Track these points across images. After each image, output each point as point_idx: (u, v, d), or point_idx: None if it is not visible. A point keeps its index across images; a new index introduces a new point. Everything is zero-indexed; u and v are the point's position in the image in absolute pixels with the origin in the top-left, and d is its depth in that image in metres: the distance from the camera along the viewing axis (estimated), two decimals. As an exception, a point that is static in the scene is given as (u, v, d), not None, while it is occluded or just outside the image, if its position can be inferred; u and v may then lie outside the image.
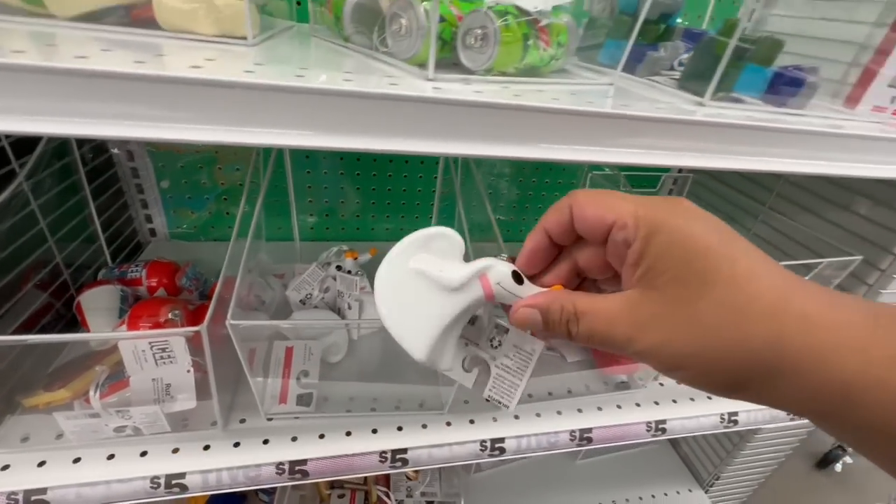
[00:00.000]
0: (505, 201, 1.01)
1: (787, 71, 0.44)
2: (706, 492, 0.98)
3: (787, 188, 0.81)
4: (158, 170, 0.82)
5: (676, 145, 0.37)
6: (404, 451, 0.55)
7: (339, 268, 0.70)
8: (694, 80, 0.46)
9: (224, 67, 0.30)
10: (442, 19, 0.39)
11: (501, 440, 0.58)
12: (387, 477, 0.84)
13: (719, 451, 0.93)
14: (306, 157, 0.84)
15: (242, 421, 0.55)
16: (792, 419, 0.70)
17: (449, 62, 0.41)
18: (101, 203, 0.72)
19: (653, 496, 0.96)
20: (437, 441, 0.56)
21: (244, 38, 0.39)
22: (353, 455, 0.53)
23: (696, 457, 1.01)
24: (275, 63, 0.34)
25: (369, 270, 0.76)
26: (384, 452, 0.54)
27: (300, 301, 0.68)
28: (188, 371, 0.50)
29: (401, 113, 0.31)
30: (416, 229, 0.30)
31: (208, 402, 0.51)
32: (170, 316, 0.54)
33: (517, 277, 0.27)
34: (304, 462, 0.52)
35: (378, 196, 0.93)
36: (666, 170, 0.98)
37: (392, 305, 0.29)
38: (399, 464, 0.55)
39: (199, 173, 0.83)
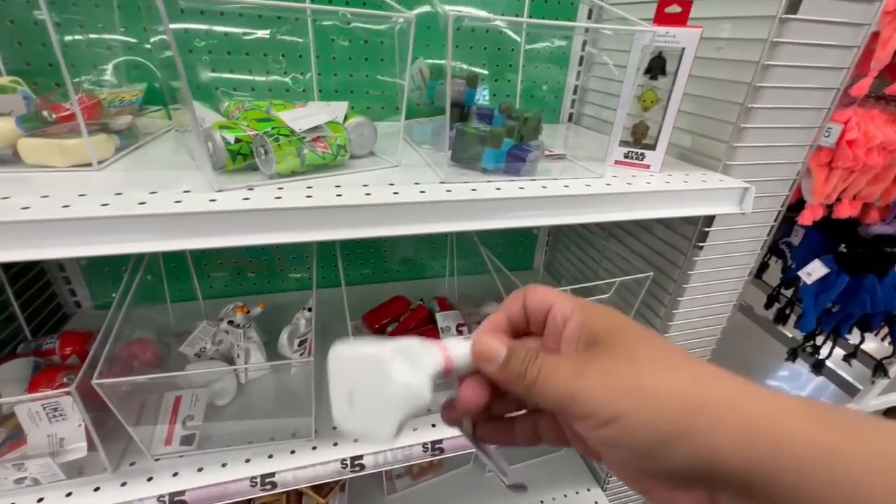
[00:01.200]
0: (405, 245, 1.15)
1: (515, 149, 0.59)
2: (603, 489, 1.08)
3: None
4: (77, 250, 0.93)
5: (414, 219, 0.51)
6: (272, 474, 0.65)
7: (230, 322, 0.82)
8: (455, 158, 0.61)
9: (48, 206, 0.43)
10: (238, 140, 0.53)
11: (360, 457, 0.69)
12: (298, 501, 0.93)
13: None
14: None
15: (132, 464, 0.65)
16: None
17: (252, 168, 0.55)
18: (23, 283, 0.84)
19: (553, 499, 1.06)
20: (301, 463, 0.67)
21: (90, 164, 0.53)
22: (226, 482, 0.64)
23: (593, 458, 1.12)
24: (100, 192, 0.47)
25: (261, 322, 0.88)
26: (254, 478, 0.65)
27: (195, 355, 0.80)
28: (79, 426, 0.60)
29: (188, 222, 0.44)
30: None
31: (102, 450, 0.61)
32: (65, 381, 0.65)
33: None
34: (182, 493, 0.62)
35: (283, 251, 1.06)
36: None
37: (348, 405, 0.29)
38: (268, 486, 0.65)
39: (114, 249, 0.95)
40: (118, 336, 0.62)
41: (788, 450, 0.19)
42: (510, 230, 1.18)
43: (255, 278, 1.07)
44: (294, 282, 1.10)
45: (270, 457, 0.67)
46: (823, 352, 1.83)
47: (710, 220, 0.73)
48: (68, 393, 0.55)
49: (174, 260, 0.96)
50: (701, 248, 0.75)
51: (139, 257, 0.76)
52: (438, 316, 0.88)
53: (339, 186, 0.52)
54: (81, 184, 0.48)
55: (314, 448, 0.69)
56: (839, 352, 1.79)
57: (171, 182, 0.50)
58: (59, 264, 0.93)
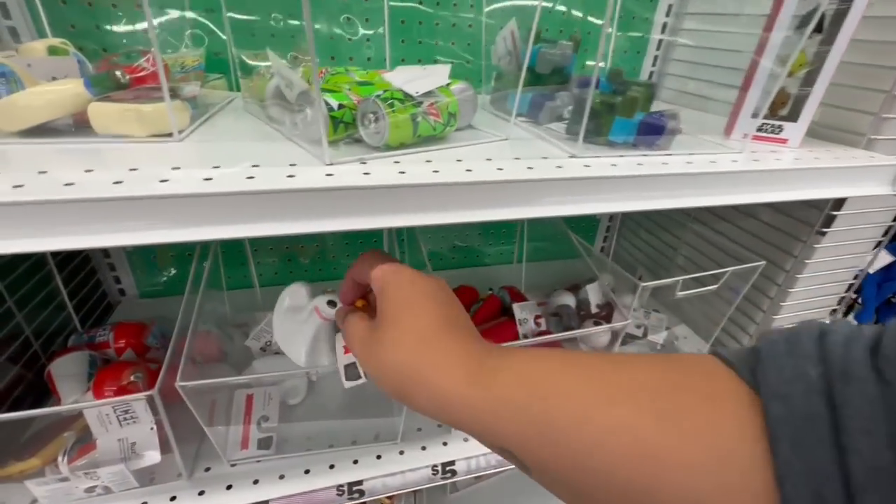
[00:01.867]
0: (459, 229, 1.07)
1: (649, 118, 0.51)
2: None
3: (708, 199, 0.88)
4: (122, 234, 0.86)
5: (551, 199, 0.43)
6: (359, 482, 0.59)
7: (295, 313, 0.75)
8: (575, 130, 0.53)
9: (144, 179, 0.36)
10: (342, 106, 0.45)
11: (452, 463, 0.63)
12: None
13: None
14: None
15: (207, 469, 0.59)
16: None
17: (354, 138, 0.47)
18: (70, 271, 0.77)
19: None
20: (390, 470, 0.61)
21: (170, 135, 0.45)
22: (312, 492, 0.58)
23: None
24: (193, 164, 0.40)
25: None
26: (340, 486, 0.59)
27: (261, 349, 0.73)
28: (151, 429, 0.54)
29: (298, 201, 0.37)
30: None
31: (174, 454, 0.55)
32: (132, 379, 0.59)
33: (332, 304, 0.48)
34: (265, 503, 0.56)
35: (335, 238, 0.99)
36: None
37: (282, 336, 0.51)
38: (356, 495, 0.59)
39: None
40: (195, 330, 0.55)
41: (448, 405, 0.27)
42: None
43: (307, 265, 1.00)
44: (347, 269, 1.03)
45: (356, 462, 0.61)
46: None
47: (839, 203, 0.65)
48: (151, 397, 0.48)
49: (229, 244, 0.89)
50: (824, 234, 0.67)
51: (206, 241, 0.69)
52: (516, 307, 0.81)
53: (460, 161, 0.44)
54: (166, 156, 0.41)
55: (401, 453, 0.63)
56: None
57: (267, 155, 0.43)
58: (104, 249, 0.87)
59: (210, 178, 0.36)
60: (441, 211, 0.41)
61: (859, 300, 1.72)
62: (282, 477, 0.59)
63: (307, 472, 0.60)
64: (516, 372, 0.25)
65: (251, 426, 0.62)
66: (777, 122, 0.58)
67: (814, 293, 0.75)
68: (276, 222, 0.37)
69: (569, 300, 0.90)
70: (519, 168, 0.43)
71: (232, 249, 0.90)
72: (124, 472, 0.53)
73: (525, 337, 0.79)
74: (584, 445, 0.21)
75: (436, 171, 0.41)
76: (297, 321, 0.50)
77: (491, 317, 0.85)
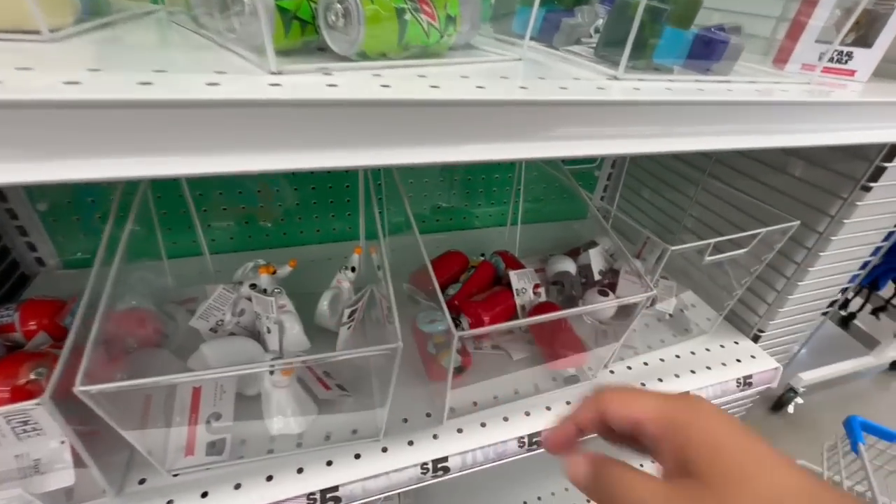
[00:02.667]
0: (444, 188, 0.94)
1: (709, 33, 0.39)
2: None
3: (727, 153, 0.78)
4: (31, 190, 0.70)
5: (588, 132, 0.32)
6: (334, 488, 0.49)
7: (253, 286, 0.63)
8: (610, 48, 0.40)
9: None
10: (294, -7, 0.31)
11: (444, 459, 0.53)
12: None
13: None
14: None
15: (142, 482, 0.48)
16: (742, 391, 0.69)
17: (314, 47, 0.34)
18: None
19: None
20: (372, 472, 0.51)
21: (37, 32, 0.30)
22: (276, 503, 0.47)
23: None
24: (59, 67, 0.26)
25: (291, 285, 0.69)
26: (311, 494, 0.48)
27: (211, 330, 0.60)
28: (62, 442, 0.42)
29: (223, 121, 0.24)
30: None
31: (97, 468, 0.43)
32: (32, 376, 0.45)
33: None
34: (217, 520, 0.45)
35: (303, 196, 0.85)
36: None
37: None
38: (331, 503, 0.49)
39: (83, 189, 0.72)
40: (107, 309, 0.42)
41: None
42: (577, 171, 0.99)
43: (269, 228, 0.86)
44: (315, 233, 0.90)
45: (329, 464, 0.51)
46: (854, 306, 1.78)
47: (892, 153, 0.56)
48: (40, 404, 0.36)
49: (168, 203, 0.74)
50: (870, 189, 0.59)
51: (125, 197, 0.54)
52: (512, 275, 0.70)
53: (466, 78, 0.32)
54: (21, 56, 0.27)
55: (384, 450, 0.53)
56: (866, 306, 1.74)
57: (184, 62, 0.29)
58: (9, 209, 0.70)
59: (76, 83, 0.22)
60: (443, 143, 0.28)
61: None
62: (238, 486, 0.48)
63: (270, 478, 0.49)
64: None
65: (198, 427, 0.50)
66: (847, 48, 0.47)
67: (845, 256, 0.67)
68: (182, 155, 0.24)
69: (569, 266, 0.81)
70: (549, 88, 0.31)
71: (173, 208, 0.75)
72: (24, 498, 0.41)
73: (523, 309, 0.69)
74: None
75: (435, 87, 0.28)
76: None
77: (484, 286, 0.75)
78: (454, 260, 0.79)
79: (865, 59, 0.47)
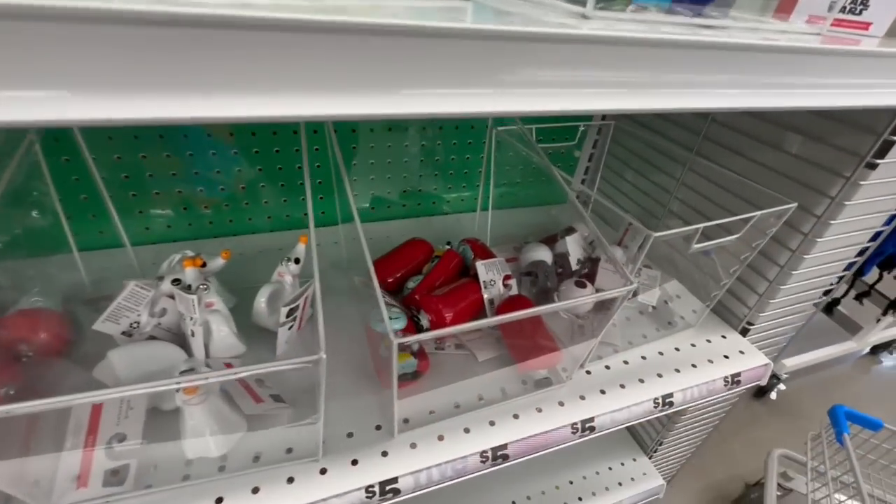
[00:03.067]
0: (410, 170, 0.86)
1: (702, -36, 0.31)
2: (650, 458, 0.94)
3: (715, 129, 0.71)
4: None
5: (552, 78, 0.24)
6: (261, 520, 0.42)
7: (176, 282, 0.54)
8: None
9: None
10: None
11: (393, 480, 0.46)
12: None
13: (661, 417, 0.88)
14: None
15: (21, 522, 0.39)
16: (730, 390, 0.63)
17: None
18: None
19: (597, 473, 0.91)
20: (306, 499, 0.43)
21: None
22: (187, 542, 0.40)
23: (639, 425, 0.96)
24: None
25: (234, 280, 0.61)
26: (233, 529, 0.41)
27: (124, 333, 0.52)
28: None
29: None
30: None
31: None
32: None
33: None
34: (112, 566, 0.38)
35: (250, 179, 0.75)
36: (586, 118, 0.86)
37: None
38: (256, 538, 0.42)
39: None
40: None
41: None
42: (548, 151, 0.91)
43: (210, 214, 0.77)
44: (266, 220, 0.81)
45: (256, 491, 0.43)
46: (838, 292, 1.75)
47: (902, 124, 0.49)
48: None
49: (82, 187, 0.64)
50: (875, 167, 0.52)
51: (25, 166, 0.45)
52: (479, 266, 0.63)
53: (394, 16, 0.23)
54: None
55: (323, 472, 0.46)
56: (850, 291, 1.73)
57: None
58: None
59: None
60: (368, 92, 0.20)
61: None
62: (141, 524, 0.40)
63: (182, 512, 0.41)
64: None
65: (95, 452, 0.42)
66: (861, -4, 0.39)
67: (843, 242, 0.61)
68: None
69: (544, 255, 0.73)
70: (497, 21, 0.23)
71: (69, 191, 0.65)
72: None
73: (492, 303, 0.62)
74: None
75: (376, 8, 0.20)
76: None
77: (450, 277, 0.67)
78: (417, 249, 0.71)
79: (884, 8, 0.39)
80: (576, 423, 0.54)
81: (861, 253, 0.67)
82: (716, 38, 0.26)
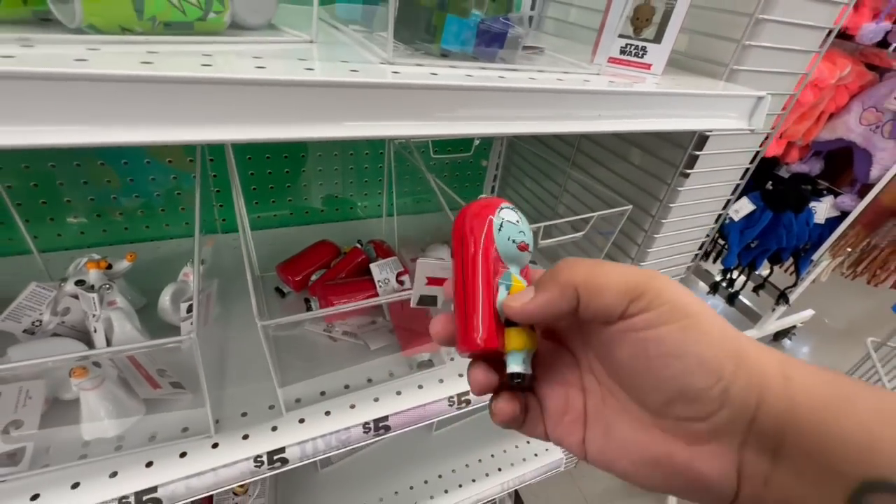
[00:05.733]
0: (327, 178, 0.92)
1: (491, 21, 0.40)
2: (554, 436, 1.04)
3: (586, 143, 0.83)
4: None
5: (353, 110, 0.32)
6: (153, 489, 0.47)
7: (80, 283, 0.58)
8: (401, 34, 0.41)
9: None
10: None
11: (281, 450, 0.53)
12: (210, 498, 0.76)
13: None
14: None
15: (-86, 503, 0.43)
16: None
17: (39, 18, 0.31)
18: None
19: (516, 446, 1.00)
20: (197, 469, 0.49)
21: None
22: (79, 511, 0.44)
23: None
24: None
25: (148, 282, 0.65)
26: (125, 498, 0.46)
27: (26, 331, 0.55)
28: None
29: None
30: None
31: None
32: None
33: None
34: (5, 535, 0.42)
35: (167, 187, 0.80)
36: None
37: None
38: (149, 505, 0.47)
39: None
40: None
41: (806, 403, 0.19)
42: (455, 161, 1.01)
43: (124, 221, 0.80)
44: (184, 226, 0.85)
45: (150, 465, 0.49)
46: (738, 285, 1.96)
47: (701, 142, 0.61)
48: None
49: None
50: (687, 175, 0.64)
51: None
52: (373, 267, 0.70)
53: (208, 56, 0.31)
54: None
55: (215, 446, 0.51)
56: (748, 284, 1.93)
57: None
58: None
59: None
60: (148, 124, 0.27)
61: (725, 246, 1.87)
62: (35, 497, 0.44)
63: (76, 485, 0.46)
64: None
65: (-9, 436, 0.46)
66: (641, 43, 0.51)
67: (679, 238, 0.73)
68: None
69: (444, 253, 0.82)
70: (290, 68, 0.31)
71: None
72: None
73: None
74: None
75: (146, 63, 0.27)
76: None
77: (352, 272, 0.74)
78: (324, 249, 0.78)
79: (658, 53, 0.51)
80: (451, 397, 0.62)
81: (701, 246, 0.80)
82: (484, 83, 0.35)
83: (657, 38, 0.50)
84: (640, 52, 0.51)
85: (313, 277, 0.72)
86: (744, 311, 2.01)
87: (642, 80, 0.49)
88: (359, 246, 0.78)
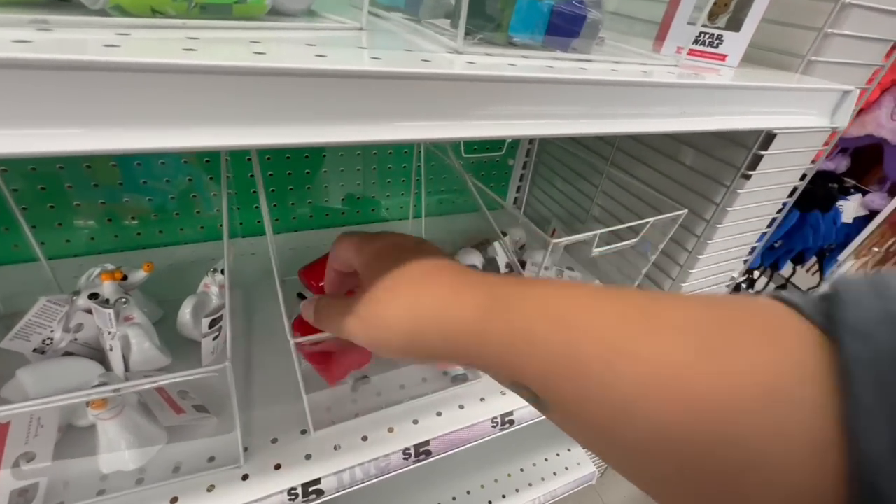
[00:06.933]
0: (356, 178, 0.88)
1: (567, 5, 0.35)
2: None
3: (627, 141, 0.77)
4: None
5: (402, 108, 0.27)
6: (179, 529, 0.42)
7: (94, 296, 0.53)
8: (458, 19, 0.36)
9: None
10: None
11: (317, 482, 0.48)
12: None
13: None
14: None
15: (-83, 548, 0.38)
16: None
17: (62, 1, 0.26)
18: None
19: (545, 459, 0.95)
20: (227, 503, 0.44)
21: None
22: (100, 556, 0.40)
23: (573, 415, 1.01)
24: None
25: (164, 292, 0.61)
26: (148, 539, 0.41)
27: (36, 350, 0.51)
28: None
29: None
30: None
31: None
32: None
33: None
34: (17, 586, 0.37)
35: (181, 189, 0.75)
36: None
37: None
38: (175, 546, 0.42)
39: None
40: None
41: (461, 341, 0.25)
42: (482, 160, 0.96)
43: (137, 226, 0.75)
44: (199, 230, 0.80)
45: (175, 501, 0.44)
46: (759, 286, 1.91)
47: (768, 140, 0.56)
48: None
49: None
50: (749, 177, 0.59)
51: None
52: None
53: (257, 42, 0.26)
54: None
55: (245, 478, 0.47)
56: (770, 285, 1.89)
57: None
58: None
59: None
60: (205, 125, 0.22)
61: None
62: (50, 542, 0.40)
63: (95, 527, 0.41)
64: (536, 302, 0.23)
65: (2, 472, 0.41)
66: (717, 31, 0.45)
67: (731, 243, 0.69)
68: None
69: (475, 259, 0.77)
70: (353, 59, 0.26)
71: None
72: None
73: (420, 308, 0.65)
74: (612, 380, 0.19)
75: (190, 51, 0.22)
76: None
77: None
78: (350, 256, 0.73)
79: (735, 43, 0.45)
80: (496, 418, 0.58)
81: (751, 252, 0.75)
82: (569, 75, 0.30)
83: (734, 26, 0.45)
84: (716, 42, 0.46)
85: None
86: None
87: (718, 72, 0.44)
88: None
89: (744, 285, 1.86)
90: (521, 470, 0.93)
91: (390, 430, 0.54)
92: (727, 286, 0.79)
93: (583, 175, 0.88)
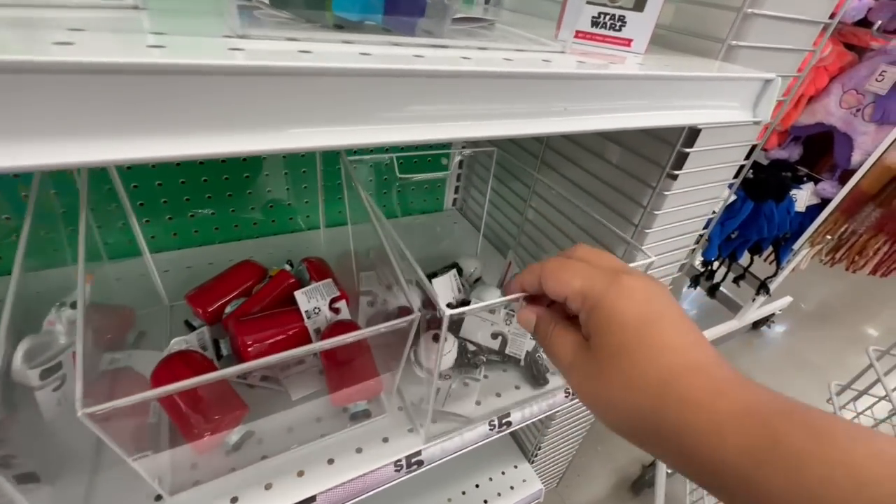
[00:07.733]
0: (268, 185, 0.78)
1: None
2: (531, 463, 0.94)
3: (555, 139, 0.71)
4: None
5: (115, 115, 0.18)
6: None
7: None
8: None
9: None
10: None
11: None
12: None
13: (537, 423, 0.88)
14: None
15: None
16: (571, 400, 0.63)
17: None
18: None
19: (490, 479, 0.89)
20: None
21: None
22: None
23: (521, 431, 0.96)
24: None
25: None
26: None
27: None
28: None
29: None
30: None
31: None
32: None
33: None
34: None
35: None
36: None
37: None
38: None
39: None
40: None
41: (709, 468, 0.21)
42: (412, 159, 0.88)
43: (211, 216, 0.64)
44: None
45: None
46: (718, 276, 1.90)
47: (692, 136, 0.50)
48: None
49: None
50: (675, 177, 0.53)
51: None
52: (298, 295, 0.56)
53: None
54: None
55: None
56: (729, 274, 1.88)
57: None
58: None
59: None
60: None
61: (705, 238, 1.80)
62: None
63: None
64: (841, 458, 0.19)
65: None
66: (618, 12, 0.39)
67: (665, 248, 0.63)
68: None
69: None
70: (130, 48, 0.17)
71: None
72: None
73: (318, 332, 0.57)
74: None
75: None
76: None
77: (278, 300, 0.61)
78: (245, 272, 0.64)
79: (639, 25, 0.39)
80: (400, 461, 0.50)
81: (697, 241, 0.70)
82: (385, 64, 0.23)
83: (638, 6, 0.38)
84: (618, 24, 0.39)
85: (229, 308, 0.59)
86: (724, 303, 1.96)
87: (621, 59, 0.38)
88: (287, 268, 0.64)
89: (703, 277, 1.85)
90: (477, 486, 0.87)
91: (268, 486, 0.46)
92: (672, 278, 0.74)
93: (516, 175, 0.81)
